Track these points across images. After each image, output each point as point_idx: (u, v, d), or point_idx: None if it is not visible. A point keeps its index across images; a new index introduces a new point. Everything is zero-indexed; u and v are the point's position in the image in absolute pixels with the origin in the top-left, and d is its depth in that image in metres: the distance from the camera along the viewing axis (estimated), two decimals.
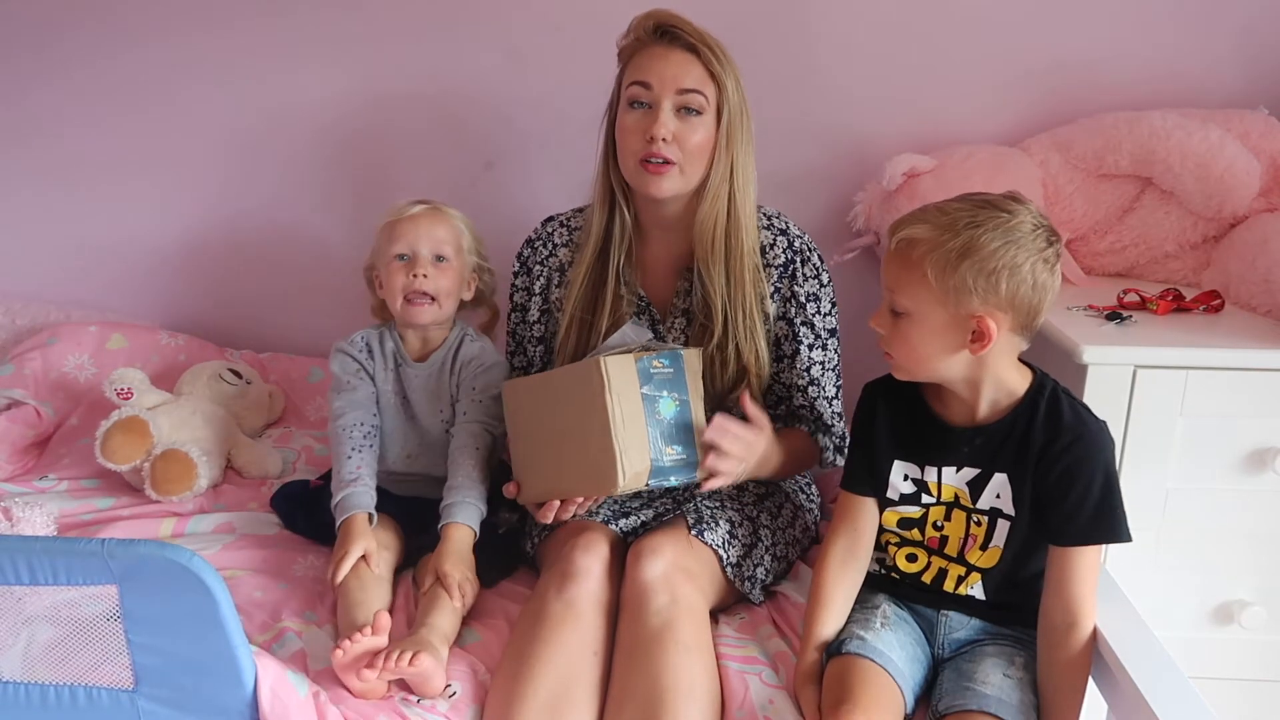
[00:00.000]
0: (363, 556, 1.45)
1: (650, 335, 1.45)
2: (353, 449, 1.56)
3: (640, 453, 1.33)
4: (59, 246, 2.24)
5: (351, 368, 1.64)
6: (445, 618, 1.38)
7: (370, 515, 1.51)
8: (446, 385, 1.65)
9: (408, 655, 1.25)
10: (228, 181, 2.19)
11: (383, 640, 1.29)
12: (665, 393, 1.36)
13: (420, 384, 1.64)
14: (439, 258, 1.60)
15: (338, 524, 1.50)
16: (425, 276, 1.58)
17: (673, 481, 1.37)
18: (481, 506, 1.52)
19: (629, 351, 1.37)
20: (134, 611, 1.19)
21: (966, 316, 1.20)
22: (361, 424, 1.59)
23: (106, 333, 2.11)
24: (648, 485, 1.35)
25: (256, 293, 2.25)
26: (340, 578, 1.43)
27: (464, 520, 1.49)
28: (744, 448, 1.40)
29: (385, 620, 1.29)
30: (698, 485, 1.40)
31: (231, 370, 2.02)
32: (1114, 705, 1.24)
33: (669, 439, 1.36)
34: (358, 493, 1.52)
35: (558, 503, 1.40)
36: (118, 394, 1.79)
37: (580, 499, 1.40)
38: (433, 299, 1.60)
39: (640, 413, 1.34)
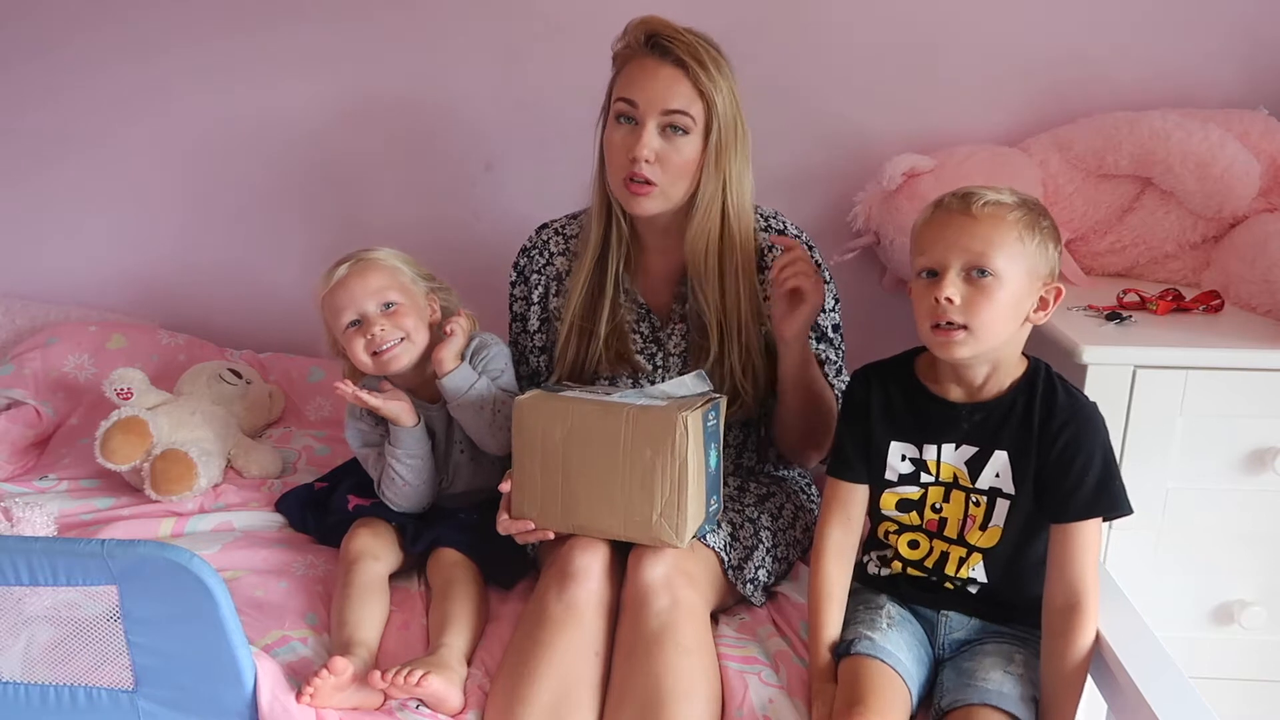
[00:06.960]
0: (360, 564, 1.46)
1: (710, 387, 1.40)
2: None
3: (699, 509, 1.33)
4: (58, 246, 2.24)
5: (366, 436, 1.60)
6: (460, 635, 1.37)
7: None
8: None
9: (416, 674, 1.24)
10: (228, 180, 2.19)
11: (345, 680, 1.26)
12: (713, 445, 1.34)
13: (443, 416, 1.59)
14: (387, 305, 1.52)
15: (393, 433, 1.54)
16: (383, 330, 1.51)
17: (705, 530, 1.37)
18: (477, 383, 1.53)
19: (691, 402, 1.33)
20: (134, 612, 1.19)
21: (1040, 284, 1.24)
22: None
23: (106, 333, 2.11)
24: (692, 538, 1.35)
25: (256, 293, 2.25)
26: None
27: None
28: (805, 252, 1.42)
29: (341, 664, 1.25)
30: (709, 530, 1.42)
31: (231, 370, 2.02)
32: (1114, 705, 1.24)
33: (712, 490, 1.35)
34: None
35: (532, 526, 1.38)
36: (117, 394, 1.79)
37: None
38: (403, 338, 1.52)
39: (702, 470, 1.32)
